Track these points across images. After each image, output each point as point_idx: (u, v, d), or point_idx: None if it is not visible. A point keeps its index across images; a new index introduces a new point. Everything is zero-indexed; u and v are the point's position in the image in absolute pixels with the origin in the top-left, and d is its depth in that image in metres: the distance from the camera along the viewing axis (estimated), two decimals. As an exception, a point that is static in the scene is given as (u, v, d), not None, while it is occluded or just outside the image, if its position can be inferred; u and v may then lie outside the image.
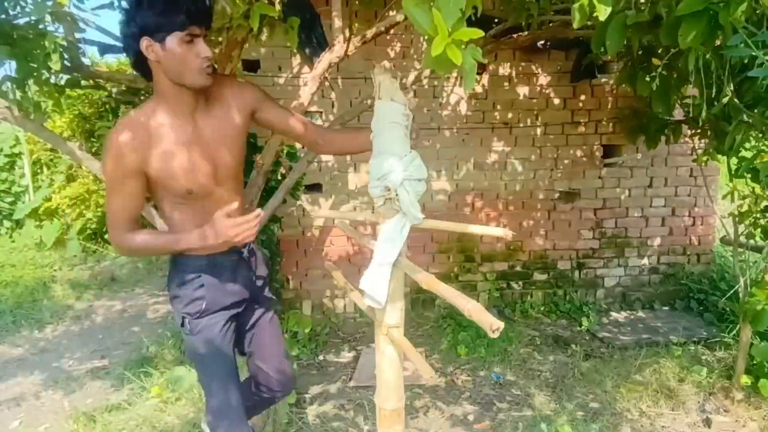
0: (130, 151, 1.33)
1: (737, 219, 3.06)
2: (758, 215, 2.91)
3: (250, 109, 1.56)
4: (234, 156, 1.52)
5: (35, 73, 1.89)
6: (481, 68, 4.19)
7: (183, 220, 1.50)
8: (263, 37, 2.10)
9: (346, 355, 3.64)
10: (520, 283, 4.45)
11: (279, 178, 3.43)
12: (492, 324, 0.84)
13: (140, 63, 1.37)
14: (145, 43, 1.30)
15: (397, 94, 1.15)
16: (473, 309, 0.87)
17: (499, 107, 4.23)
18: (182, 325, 1.59)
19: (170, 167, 1.38)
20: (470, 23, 0.96)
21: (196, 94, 1.41)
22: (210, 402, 1.63)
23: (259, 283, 1.75)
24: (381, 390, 1.26)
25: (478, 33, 0.93)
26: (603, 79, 4.27)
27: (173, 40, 1.29)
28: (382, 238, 1.14)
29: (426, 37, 0.95)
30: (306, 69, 3.94)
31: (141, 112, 1.40)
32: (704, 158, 3.17)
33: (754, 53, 1.29)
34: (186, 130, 1.42)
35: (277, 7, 1.75)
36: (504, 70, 4.22)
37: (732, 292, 3.21)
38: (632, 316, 4.24)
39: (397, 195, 1.12)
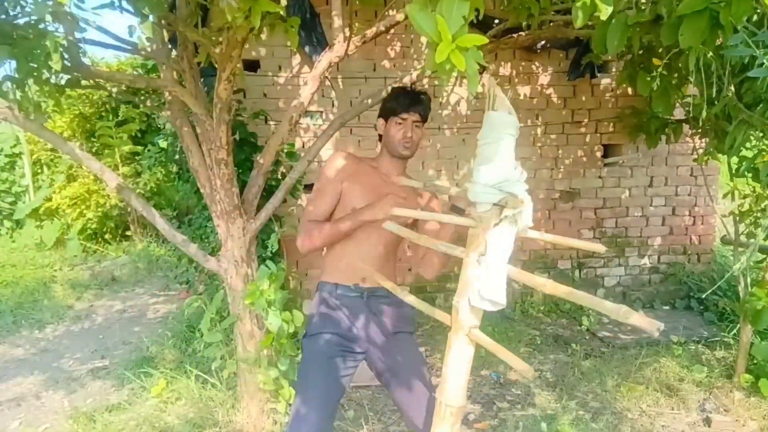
0: (340, 170, 1.81)
1: (738, 218, 3.07)
2: (759, 214, 2.91)
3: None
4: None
5: (36, 73, 1.88)
6: (481, 68, 4.19)
7: (340, 242, 1.83)
8: (263, 36, 2.09)
9: (347, 355, 3.63)
10: (520, 282, 4.44)
11: (279, 177, 3.43)
12: (655, 324, 0.85)
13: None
14: (380, 122, 1.85)
15: (511, 108, 1.21)
16: (628, 313, 0.88)
17: (499, 107, 4.22)
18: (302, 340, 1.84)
19: (356, 193, 1.80)
20: (471, 23, 0.96)
21: (399, 164, 1.86)
22: (291, 419, 1.68)
23: (381, 335, 1.80)
24: (451, 388, 1.26)
25: (482, 39, 0.93)
26: (603, 79, 4.27)
27: (391, 122, 1.81)
28: (496, 244, 1.16)
29: (429, 41, 0.95)
30: (306, 68, 3.94)
31: (362, 156, 1.91)
32: (704, 157, 3.18)
33: (754, 53, 1.29)
34: (379, 180, 1.84)
35: (283, 1, 1.75)
36: (504, 70, 4.22)
37: (722, 282, 3.21)
38: (632, 316, 4.24)
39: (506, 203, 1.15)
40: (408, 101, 1.80)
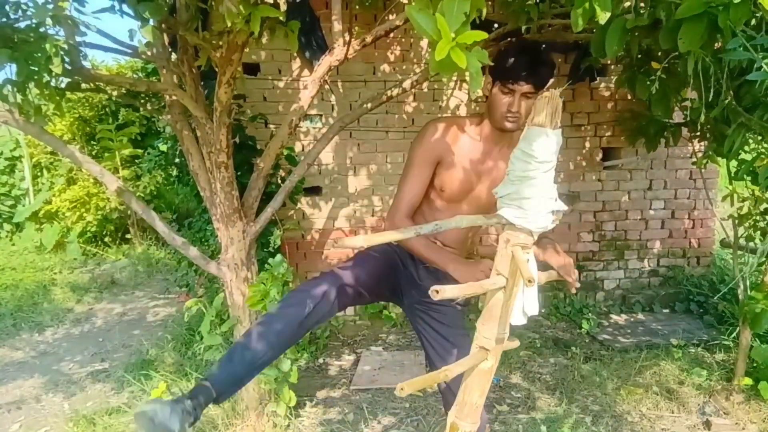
0: (435, 142, 1.62)
1: (737, 221, 3.07)
2: (758, 218, 2.91)
3: None
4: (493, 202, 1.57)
5: (36, 76, 1.89)
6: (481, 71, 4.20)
7: (425, 213, 1.73)
8: (264, 40, 2.10)
9: (346, 358, 3.63)
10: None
11: (279, 181, 3.43)
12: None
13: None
14: (486, 80, 1.57)
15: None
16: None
17: (498, 110, 4.23)
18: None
19: (451, 171, 1.64)
20: (472, 26, 0.96)
21: (501, 133, 1.61)
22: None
23: (415, 293, 1.78)
24: (469, 410, 1.24)
25: (482, 35, 0.93)
26: (602, 82, 4.27)
27: (497, 86, 1.53)
28: (534, 261, 1.17)
29: (430, 41, 0.95)
30: (306, 72, 3.95)
31: (461, 120, 1.70)
32: (704, 161, 3.18)
33: (752, 57, 1.30)
34: (479, 154, 1.65)
35: (283, 7, 1.76)
36: (503, 73, 4.23)
37: (726, 289, 3.21)
38: (632, 319, 4.24)
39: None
40: (524, 68, 1.47)
